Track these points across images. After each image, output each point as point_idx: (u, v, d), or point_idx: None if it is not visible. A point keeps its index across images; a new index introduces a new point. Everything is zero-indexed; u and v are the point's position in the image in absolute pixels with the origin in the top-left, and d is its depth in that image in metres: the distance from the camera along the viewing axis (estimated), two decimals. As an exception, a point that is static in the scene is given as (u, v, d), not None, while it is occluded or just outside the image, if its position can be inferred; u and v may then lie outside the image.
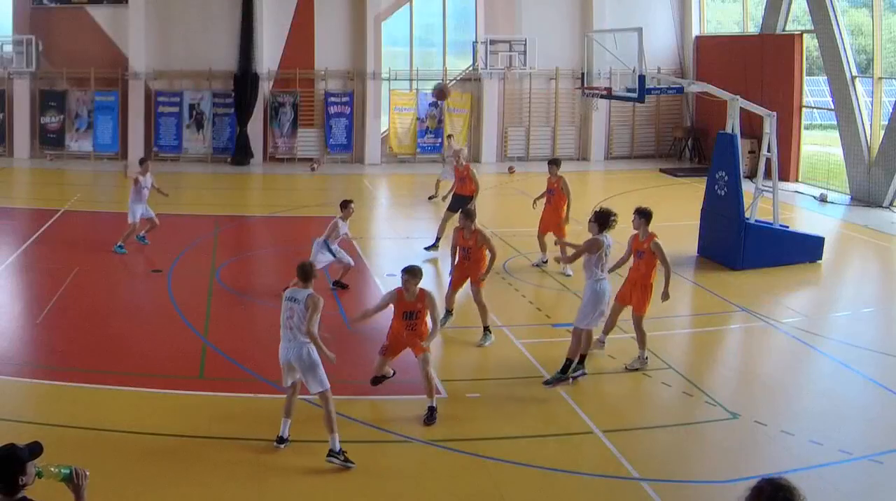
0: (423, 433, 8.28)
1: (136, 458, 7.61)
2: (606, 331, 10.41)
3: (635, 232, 10.29)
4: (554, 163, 14.38)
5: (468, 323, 11.72)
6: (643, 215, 10.20)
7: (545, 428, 8.49)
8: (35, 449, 4.27)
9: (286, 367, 7.92)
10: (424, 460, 7.89)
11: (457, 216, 11.81)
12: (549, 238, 13.96)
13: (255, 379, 9.45)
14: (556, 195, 14.13)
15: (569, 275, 13.63)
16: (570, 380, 9.51)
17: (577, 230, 14.14)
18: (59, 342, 10.61)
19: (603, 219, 9.63)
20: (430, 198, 20.16)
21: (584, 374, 9.61)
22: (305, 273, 7.95)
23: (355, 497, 7.22)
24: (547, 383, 9.48)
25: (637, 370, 9.97)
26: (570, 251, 10.51)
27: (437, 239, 15.41)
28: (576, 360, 9.57)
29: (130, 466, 7.44)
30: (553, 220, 14.05)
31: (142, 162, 15.39)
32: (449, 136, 24.41)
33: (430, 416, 8.46)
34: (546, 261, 14.32)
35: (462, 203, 14.18)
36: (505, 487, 7.39)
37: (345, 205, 12.77)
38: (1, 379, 9.18)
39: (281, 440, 7.89)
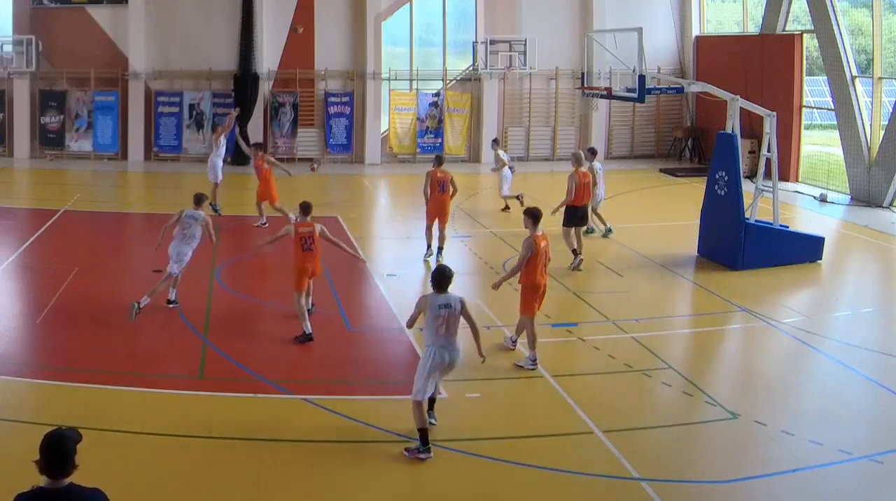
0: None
1: (136, 458, 7.61)
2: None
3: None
4: (438, 159, 15.70)
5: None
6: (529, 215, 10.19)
7: (545, 428, 8.48)
8: (77, 436, 4.36)
9: (178, 261, 11.70)
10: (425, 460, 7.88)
11: None
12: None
13: (255, 378, 9.45)
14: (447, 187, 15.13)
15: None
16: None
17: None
18: (59, 342, 10.61)
19: (441, 280, 8.01)
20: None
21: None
22: (199, 199, 12.08)
23: (356, 497, 7.23)
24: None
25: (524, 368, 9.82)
26: None
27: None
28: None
29: (130, 466, 7.43)
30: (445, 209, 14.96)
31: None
32: None
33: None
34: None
35: None
36: (505, 487, 7.39)
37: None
38: (1, 379, 9.18)
39: None
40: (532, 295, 10.05)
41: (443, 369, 7.97)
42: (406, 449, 7.78)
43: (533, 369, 9.83)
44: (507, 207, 19.01)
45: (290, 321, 11.84)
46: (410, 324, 8.31)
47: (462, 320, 8.02)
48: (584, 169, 14.91)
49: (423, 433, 7.74)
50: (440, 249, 14.69)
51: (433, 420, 8.23)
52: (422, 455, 7.67)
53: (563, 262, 14.64)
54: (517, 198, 18.48)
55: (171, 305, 11.83)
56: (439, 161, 15.39)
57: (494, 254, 15.26)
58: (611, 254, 15.48)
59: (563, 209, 14.59)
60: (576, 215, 14.62)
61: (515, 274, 10.16)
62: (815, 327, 11.72)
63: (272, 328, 11.68)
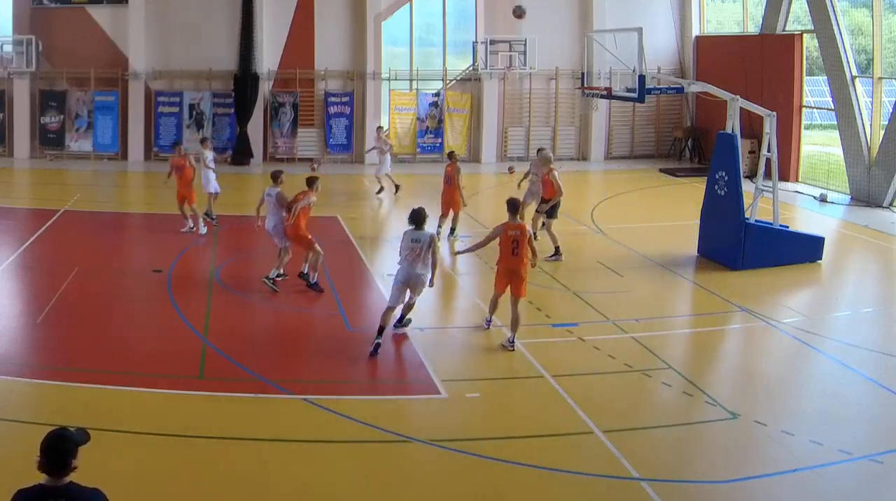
0: (423, 433, 8.28)
1: (136, 458, 7.61)
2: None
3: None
4: (450, 155, 17.37)
5: (468, 323, 11.74)
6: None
7: (545, 428, 8.48)
8: (84, 436, 4.39)
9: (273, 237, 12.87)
10: (424, 460, 7.89)
11: None
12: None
13: (255, 378, 9.45)
14: (452, 180, 16.35)
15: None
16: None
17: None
18: (59, 342, 10.61)
19: (417, 218, 10.67)
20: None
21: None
22: (275, 175, 12.99)
23: (355, 497, 7.23)
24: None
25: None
26: None
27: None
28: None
29: (130, 466, 7.43)
30: (454, 200, 16.35)
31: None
32: None
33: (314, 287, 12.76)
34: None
35: None
36: (505, 487, 7.40)
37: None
38: (1, 379, 9.18)
39: None
40: (498, 274, 10.98)
41: (407, 283, 10.45)
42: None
43: (487, 328, 11.18)
44: (381, 189, 21.12)
45: (290, 321, 11.86)
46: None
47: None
48: (554, 165, 15.74)
49: (381, 329, 10.32)
50: (452, 230, 16.48)
51: (405, 323, 10.96)
52: (375, 341, 10.24)
53: (567, 260, 14.69)
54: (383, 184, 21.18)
55: (280, 278, 12.89)
56: (449, 156, 17.05)
57: (494, 254, 15.22)
58: (611, 254, 15.49)
59: (544, 203, 15.37)
60: (557, 207, 15.32)
61: (477, 249, 11.56)
62: (815, 327, 11.72)
63: (272, 328, 11.69)
